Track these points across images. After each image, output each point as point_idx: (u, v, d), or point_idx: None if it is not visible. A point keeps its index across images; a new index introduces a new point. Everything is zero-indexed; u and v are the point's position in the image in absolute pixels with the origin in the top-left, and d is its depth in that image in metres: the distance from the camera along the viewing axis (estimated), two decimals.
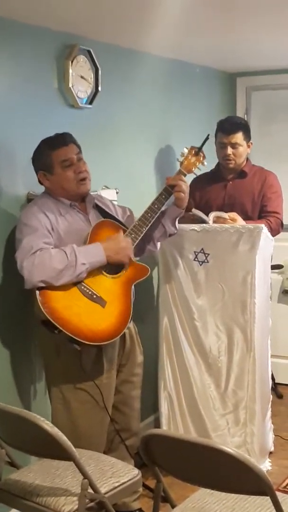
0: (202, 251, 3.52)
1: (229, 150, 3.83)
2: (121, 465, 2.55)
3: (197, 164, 3.20)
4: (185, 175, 3.14)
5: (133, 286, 2.90)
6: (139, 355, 3.10)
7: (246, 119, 4.55)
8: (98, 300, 2.77)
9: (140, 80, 3.81)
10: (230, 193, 3.93)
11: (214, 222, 3.59)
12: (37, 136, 2.87)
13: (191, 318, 3.56)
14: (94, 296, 2.76)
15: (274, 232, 3.75)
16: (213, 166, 3.95)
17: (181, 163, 3.18)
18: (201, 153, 3.20)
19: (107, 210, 3.01)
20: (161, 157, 4.06)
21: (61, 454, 2.23)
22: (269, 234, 3.51)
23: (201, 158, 3.21)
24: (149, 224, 2.97)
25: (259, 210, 3.89)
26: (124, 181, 3.64)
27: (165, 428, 3.60)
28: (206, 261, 3.51)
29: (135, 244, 2.92)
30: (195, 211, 3.64)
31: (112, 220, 2.96)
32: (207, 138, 3.23)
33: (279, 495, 2.01)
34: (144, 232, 2.95)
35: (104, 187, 3.43)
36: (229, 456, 1.91)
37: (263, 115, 4.81)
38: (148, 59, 3.86)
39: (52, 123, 3.12)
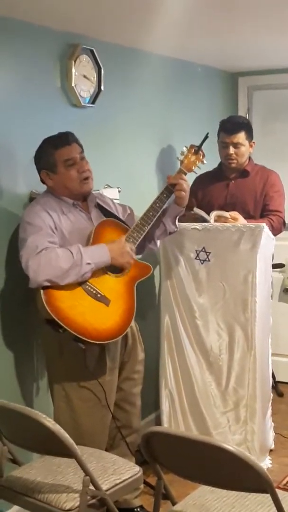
0: (203, 250, 3.52)
1: (231, 150, 3.82)
2: (122, 462, 2.56)
3: (197, 162, 3.20)
4: (185, 174, 3.14)
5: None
6: (140, 352, 3.11)
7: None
8: (102, 299, 2.78)
9: (142, 80, 3.81)
10: (232, 192, 3.93)
11: (216, 221, 3.59)
12: (40, 135, 2.87)
13: (192, 317, 3.57)
14: (98, 295, 2.77)
15: (276, 231, 3.75)
16: (214, 164, 3.95)
17: (181, 162, 3.18)
18: (200, 152, 3.20)
19: (108, 208, 3.02)
20: (162, 156, 4.06)
21: (63, 451, 2.24)
22: (270, 233, 3.51)
23: (201, 157, 3.21)
24: (151, 223, 2.97)
25: (261, 209, 3.88)
26: (125, 180, 3.64)
27: (166, 425, 3.61)
28: (207, 259, 3.52)
29: (138, 242, 2.93)
30: (196, 210, 3.64)
31: (114, 219, 2.97)
32: (206, 137, 3.23)
33: (279, 492, 2.01)
34: (146, 230, 2.96)
35: (106, 186, 3.44)
36: (229, 454, 1.92)
37: (264, 114, 4.81)
38: (150, 59, 3.87)
39: (55, 122, 3.12)
